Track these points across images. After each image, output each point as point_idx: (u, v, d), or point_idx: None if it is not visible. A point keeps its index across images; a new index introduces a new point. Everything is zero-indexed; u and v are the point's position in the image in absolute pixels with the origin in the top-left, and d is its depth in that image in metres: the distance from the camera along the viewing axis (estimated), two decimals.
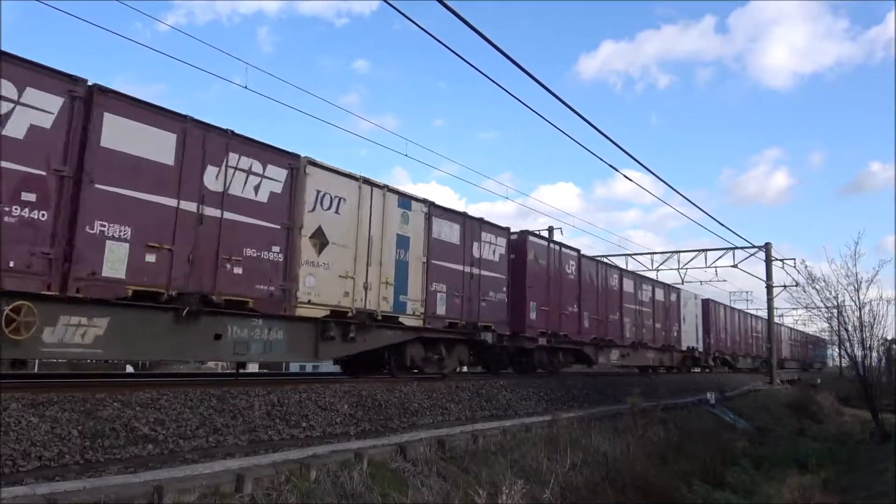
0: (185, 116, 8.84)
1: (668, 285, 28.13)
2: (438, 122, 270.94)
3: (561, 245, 19.03)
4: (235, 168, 9.43)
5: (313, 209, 10.67)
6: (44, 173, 7.29)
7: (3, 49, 6.98)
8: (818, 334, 64.19)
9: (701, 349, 30.82)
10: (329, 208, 10.99)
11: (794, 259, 43.37)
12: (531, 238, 17.12)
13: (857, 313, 21.58)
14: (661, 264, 35.38)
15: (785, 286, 34.45)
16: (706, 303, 33.58)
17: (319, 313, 10.69)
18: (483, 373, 17.16)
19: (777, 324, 45.66)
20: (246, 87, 12.23)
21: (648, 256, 36.04)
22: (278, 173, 10.09)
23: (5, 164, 6.96)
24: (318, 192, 10.81)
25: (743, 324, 40.22)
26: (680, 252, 35.48)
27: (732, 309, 39.42)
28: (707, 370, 33.56)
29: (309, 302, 10.44)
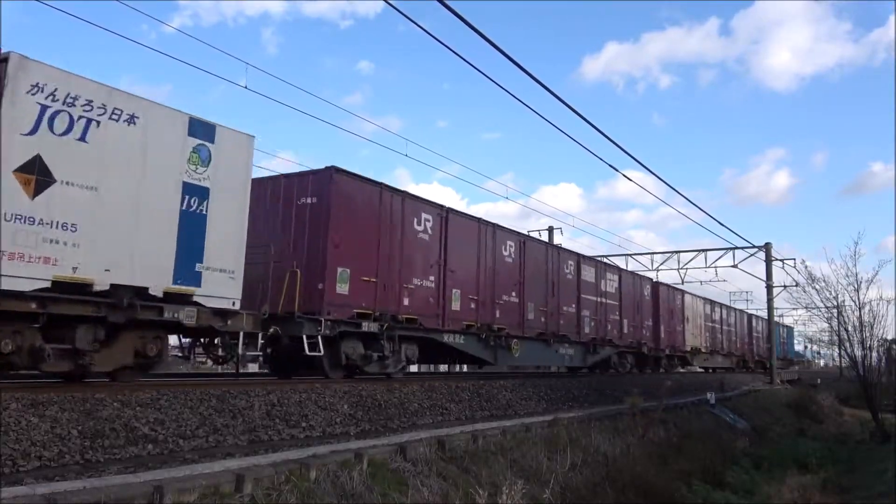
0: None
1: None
2: (442, 123, 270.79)
3: None
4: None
5: None
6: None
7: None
8: (779, 319, 46.80)
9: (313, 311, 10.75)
10: None
11: (794, 259, 43.05)
12: None
13: (857, 313, 21.58)
14: (662, 264, 35.36)
15: (785, 286, 34.46)
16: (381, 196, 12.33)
17: None
18: (482, 372, 17.13)
19: (679, 289, 30.30)
20: (246, 88, 12.25)
21: (648, 256, 35.93)
22: None
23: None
24: None
25: (560, 274, 18.73)
26: (680, 252, 35.49)
27: (532, 241, 18.34)
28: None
29: None
